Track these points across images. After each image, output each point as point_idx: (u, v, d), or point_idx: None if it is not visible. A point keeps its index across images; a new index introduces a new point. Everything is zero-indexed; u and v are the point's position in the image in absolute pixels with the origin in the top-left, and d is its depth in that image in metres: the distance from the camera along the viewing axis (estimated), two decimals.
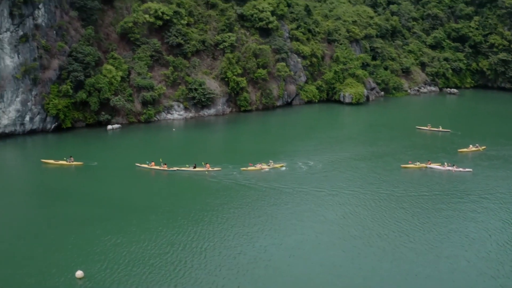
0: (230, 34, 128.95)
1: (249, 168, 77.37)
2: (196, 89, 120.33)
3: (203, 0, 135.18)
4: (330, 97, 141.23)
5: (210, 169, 77.43)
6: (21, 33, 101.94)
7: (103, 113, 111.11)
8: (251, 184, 70.73)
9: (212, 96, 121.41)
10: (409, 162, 79.15)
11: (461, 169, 76.83)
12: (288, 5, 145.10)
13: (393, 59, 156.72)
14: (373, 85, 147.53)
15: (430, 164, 79.13)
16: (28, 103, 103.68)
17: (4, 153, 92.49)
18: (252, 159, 79.98)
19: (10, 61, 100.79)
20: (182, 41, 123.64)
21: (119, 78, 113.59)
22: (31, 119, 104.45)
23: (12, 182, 75.40)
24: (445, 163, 78.65)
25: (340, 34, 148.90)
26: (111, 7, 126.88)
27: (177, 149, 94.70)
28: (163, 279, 45.93)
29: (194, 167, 78.15)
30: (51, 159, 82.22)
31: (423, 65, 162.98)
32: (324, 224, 57.35)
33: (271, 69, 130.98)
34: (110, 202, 65.29)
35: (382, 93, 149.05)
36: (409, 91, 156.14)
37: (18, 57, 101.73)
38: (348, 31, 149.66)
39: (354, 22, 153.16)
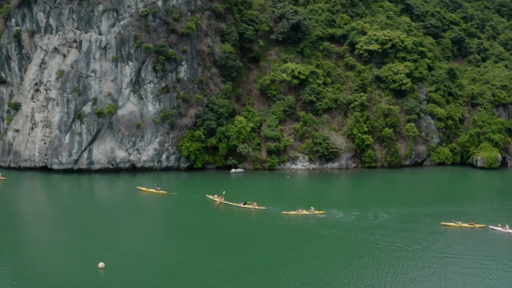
0: (362, 94, 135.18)
1: (290, 212, 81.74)
2: (320, 143, 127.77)
3: (343, 61, 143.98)
4: (464, 160, 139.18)
5: (256, 207, 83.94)
6: (163, 85, 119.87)
7: (230, 158, 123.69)
8: (291, 225, 75.73)
9: (335, 150, 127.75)
10: (452, 220, 76.76)
11: None
12: (430, 68, 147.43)
13: None
14: None
15: (473, 224, 75.57)
16: (165, 144, 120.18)
17: (132, 181, 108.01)
18: (326, 207, 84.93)
19: (151, 108, 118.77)
20: (314, 99, 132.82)
21: (248, 129, 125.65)
22: (167, 157, 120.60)
23: (109, 200, 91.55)
24: (506, 226, 74.58)
25: (484, 98, 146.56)
26: (257, 66, 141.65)
27: (274, 192, 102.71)
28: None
29: (244, 204, 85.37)
30: (149, 188, 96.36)
31: None
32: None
33: (400, 129, 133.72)
34: (170, 222, 76.15)
35: None
36: None
37: (159, 104, 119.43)
38: (493, 95, 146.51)
39: (504, 86, 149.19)
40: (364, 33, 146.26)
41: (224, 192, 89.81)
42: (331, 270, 56.24)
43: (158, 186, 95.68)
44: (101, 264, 55.03)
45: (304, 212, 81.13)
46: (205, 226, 73.88)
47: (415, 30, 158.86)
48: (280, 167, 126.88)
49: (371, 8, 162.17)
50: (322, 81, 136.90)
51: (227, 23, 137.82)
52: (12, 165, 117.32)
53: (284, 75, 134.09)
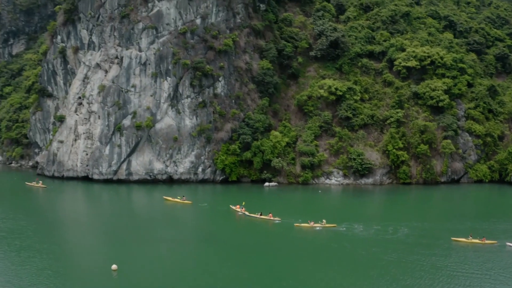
0: (398, 110, 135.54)
1: (302, 224, 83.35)
2: (354, 159, 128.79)
3: (381, 78, 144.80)
4: (502, 178, 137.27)
5: (271, 218, 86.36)
6: (200, 99, 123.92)
7: (265, 171, 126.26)
8: (302, 237, 77.54)
9: (369, 166, 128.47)
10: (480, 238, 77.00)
11: None
12: (470, 85, 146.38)
13: None
14: None
15: (484, 240, 75.12)
16: (202, 157, 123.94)
17: (167, 192, 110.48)
18: (348, 220, 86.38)
19: (188, 122, 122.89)
20: (350, 115, 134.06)
21: (283, 143, 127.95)
22: (203, 170, 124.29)
23: (138, 209, 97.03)
24: None
25: None
26: (296, 82, 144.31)
27: (300, 206, 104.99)
28: None
29: (260, 215, 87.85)
30: (174, 197, 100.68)
31: None
32: None
33: (436, 146, 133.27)
34: (189, 230, 79.92)
35: None
36: None
37: (196, 119, 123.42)
38: None
39: None
40: (403, 50, 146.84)
41: (244, 203, 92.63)
42: (333, 283, 58.02)
43: (184, 196, 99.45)
44: (114, 266, 58.54)
45: (316, 225, 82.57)
46: (220, 235, 77.15)
47: (457, 47, 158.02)
48: (314, 182, 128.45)
49: (412, 25, 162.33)
50: (359, 97, 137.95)
51: (266, 40, 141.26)
52: (56, 174, 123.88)
53: (321, 91, 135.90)
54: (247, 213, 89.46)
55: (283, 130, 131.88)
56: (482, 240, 75.06)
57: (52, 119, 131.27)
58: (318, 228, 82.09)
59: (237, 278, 58.19)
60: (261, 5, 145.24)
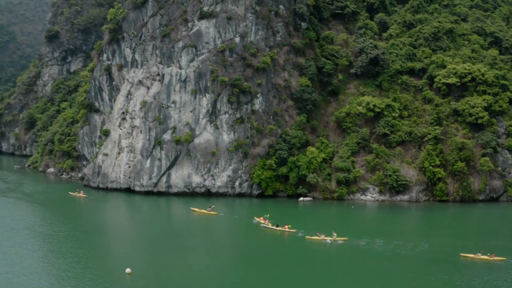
0: (436, 127, 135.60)
1: (313, 237, 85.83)
2: (390, 175, 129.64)
3: (421, 95, 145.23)
4: None
5: (287, 229, 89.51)
6: (238, 115, 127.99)
7: (301, 186, 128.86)
8: (312, 249, 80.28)
9: (404, 183, 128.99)
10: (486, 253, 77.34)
11: None
12: (511, 102, 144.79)
13: None
14: None
15: (493, 256, 75.42)
16: (239, 171, 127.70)
17: (202, 205, 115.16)
18: (371, 235, 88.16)
19: (226, 137, 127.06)
20: (388, 132, 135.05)
21: (319, 159, 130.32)
22: (240, 184, 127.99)
23: (167, 219, 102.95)
24: None
25: None
26: (336, 99, 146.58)
27: (326, 220, 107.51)
28: None
29: (277, 226, 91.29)
30: (201, 208, 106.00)
31: None
32: None
33: (474, 163, 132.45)
34: (208, 239, 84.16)
35: None
36: None
37: (234, 134, 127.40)
38: None
39: None
40: (444, 67, 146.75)
41: (268, 215, 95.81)
42: None
43: (209, 207, 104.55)
44: (128, 270, 62.92)
45: (326, 238, 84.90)
46: (239, 245, 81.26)
47: (501, 63, 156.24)
48: (349, 198, 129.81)
49: (456, 42, 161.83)
50: (397, 114, 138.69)
51: (306, 58, 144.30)
52: (100, 185, 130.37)
53: (360, 108, 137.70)
54: (267, 224, 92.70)
55: (320, 146, 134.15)
56: (490, 257, 75.63)
57: (98, 133, 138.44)
58: (340, 241, 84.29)
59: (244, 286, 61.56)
60: (302, 24, 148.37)
